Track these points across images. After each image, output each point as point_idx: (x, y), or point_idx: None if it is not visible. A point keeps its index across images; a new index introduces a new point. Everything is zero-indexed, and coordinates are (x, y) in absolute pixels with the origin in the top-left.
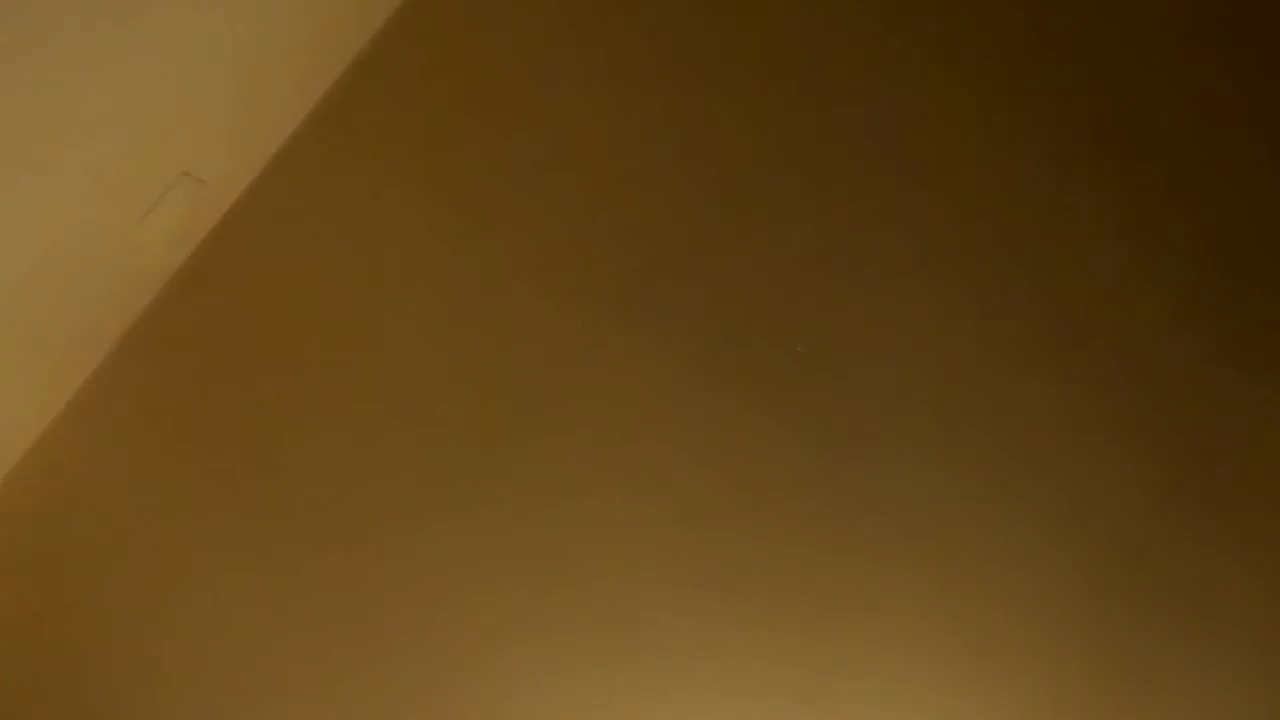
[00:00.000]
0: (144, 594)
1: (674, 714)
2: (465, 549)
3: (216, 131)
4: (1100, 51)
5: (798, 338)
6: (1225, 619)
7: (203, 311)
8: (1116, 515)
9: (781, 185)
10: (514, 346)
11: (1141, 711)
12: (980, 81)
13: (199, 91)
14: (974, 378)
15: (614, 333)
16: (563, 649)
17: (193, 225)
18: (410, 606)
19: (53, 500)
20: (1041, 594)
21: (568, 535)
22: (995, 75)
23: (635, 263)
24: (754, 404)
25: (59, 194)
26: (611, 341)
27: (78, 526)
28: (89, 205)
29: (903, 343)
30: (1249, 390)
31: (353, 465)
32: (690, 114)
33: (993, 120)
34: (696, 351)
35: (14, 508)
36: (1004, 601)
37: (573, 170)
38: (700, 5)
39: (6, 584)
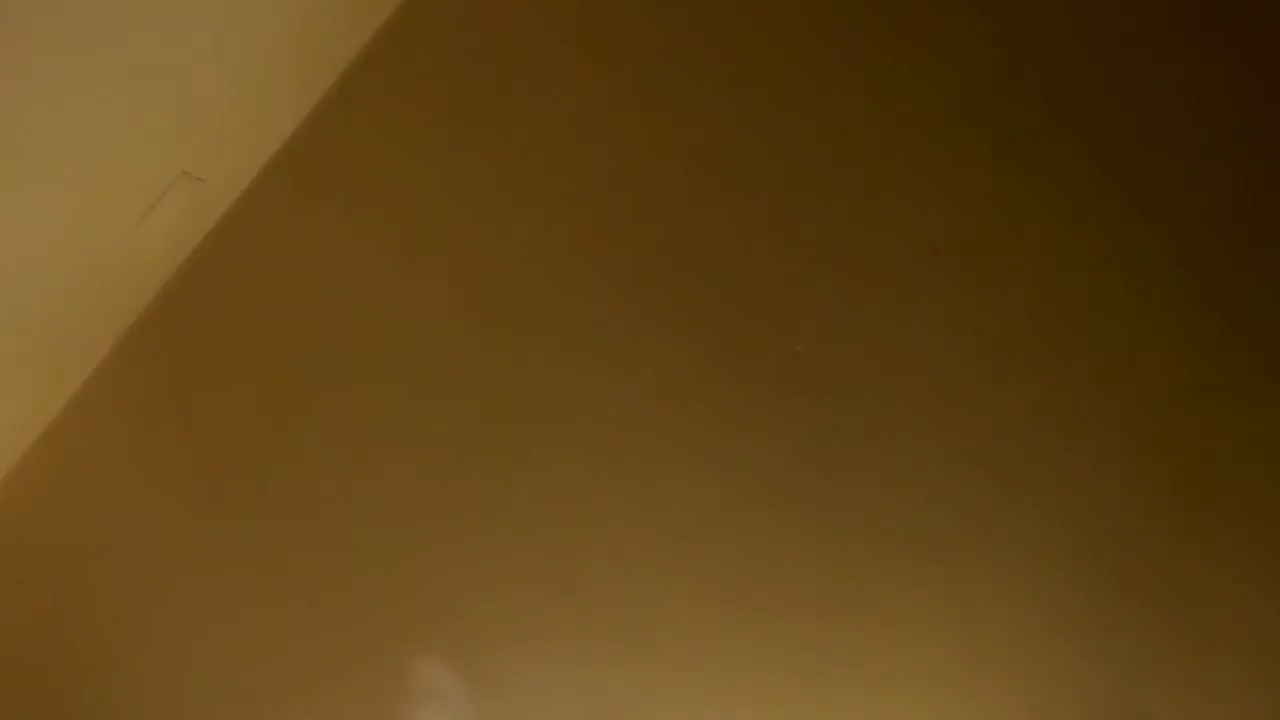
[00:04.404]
0: (143, 594)
1: (676, 713)
2: (464, 550)
3: (216, 131)
4: (1101, 61)
5: (798, 338)
6: (1223, 618)
7: (202, 311)
8: (1113, 518)
9: (781, 187)
10: (514, 347)
11: (1139, 711)
12: (982, 89)
13: (199, 92)
14: (974, 378)
15: (614, 332)
16: (563, 649)
17: (193, 225)
18: (410, 606)
19: (53, 500)
20: (1040, 593)
21: (567, 536)
22: (997, 84)
23: (635, 262)
24: (754, 404)
25: (59, 194)
26: (612, 341)
27: (78, 526)
28: (89, 205)
29: (902, 344)
30: (1247, 395)
31: (353, 464)
32: (689, 115)
33: (994, 128)
34: (696, 352)
35: (14, 508)
36: (1004, 600)
37: (573, 170)
38: (700, 9)
39: (6, 584)
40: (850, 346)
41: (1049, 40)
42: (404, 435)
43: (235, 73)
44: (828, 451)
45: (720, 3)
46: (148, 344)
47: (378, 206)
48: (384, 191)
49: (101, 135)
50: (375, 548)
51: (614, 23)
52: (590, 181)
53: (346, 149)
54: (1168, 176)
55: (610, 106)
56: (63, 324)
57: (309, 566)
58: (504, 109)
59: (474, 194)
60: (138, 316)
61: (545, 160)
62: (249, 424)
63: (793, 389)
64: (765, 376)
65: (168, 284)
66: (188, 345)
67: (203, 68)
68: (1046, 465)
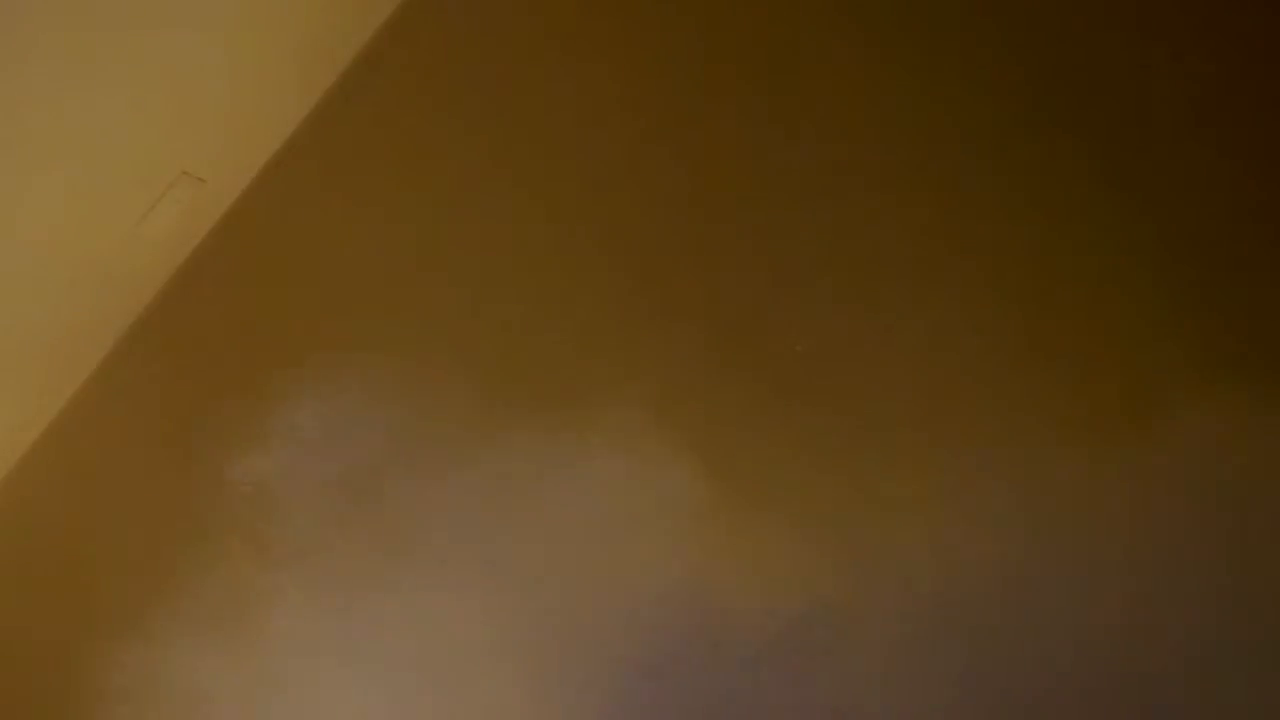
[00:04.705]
0: (143, 594)
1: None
2: (464, 549)
3: (216, 131)
4: (1099, 61)
5: (798, 338)
6: (1219, 618)
7: (203, 311)
8: (1109, 515)
9: (781, 186)
10: (515, 347)
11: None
12: (981, 91)
13: (199, 91)
14: (971, 377)
15: (613, 332)
16: (560, 649)
17: (193, 225)
18: (411, 603)
19: (53, 500)
20: (1037, 593)
21: (568, 537)
22: (997, 85)
23: (635, 261)
24: (754, 403)
25: (59, 194)
26: (611, 341)
27: (78, 526)
28: (89, 205)
29: (902, 343)
30: (1246, 393)
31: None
32: (688, 115)
33: (993, 128)
34: (696, 351)
35: (14, 508)
36: (1004, 602)
37: (572, 170)
38: (700, 8)
39: (6, 584)
40: (850, 346)
41: (1048, 40)
42: (403, 434)
43: (236, 72)
44: (826, 448)
45: (719, 4)
46: (148, 344)
47: (378, 206)
48: (384, 191)
49: (101, 135)
50: (378, 544)
51: (612, 23)
52: (589, 182)
53: (347, 149)
54: (1165, 175)
55: (609, 106)
56: (63, 324)
57: (309, 564)
58: (504, 109)
59: (474, 194)
60: (138, 316)
61: (545, 161)
62: (248, 423)
63: (793, 389)
64: (765, 376)
65: (168, 284)
66: (188, 345)
67: (203, 67)
68: (1046, 465)
